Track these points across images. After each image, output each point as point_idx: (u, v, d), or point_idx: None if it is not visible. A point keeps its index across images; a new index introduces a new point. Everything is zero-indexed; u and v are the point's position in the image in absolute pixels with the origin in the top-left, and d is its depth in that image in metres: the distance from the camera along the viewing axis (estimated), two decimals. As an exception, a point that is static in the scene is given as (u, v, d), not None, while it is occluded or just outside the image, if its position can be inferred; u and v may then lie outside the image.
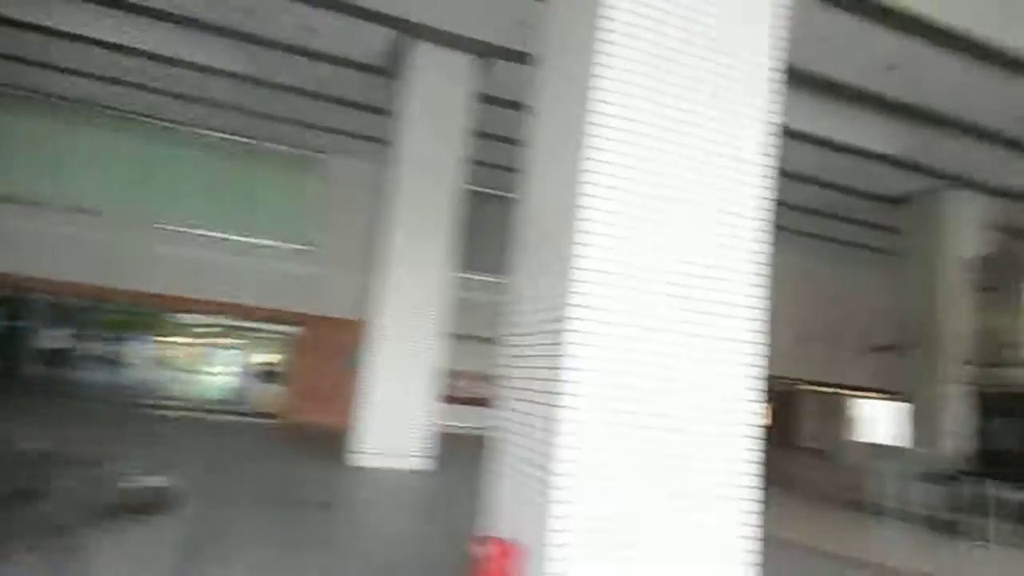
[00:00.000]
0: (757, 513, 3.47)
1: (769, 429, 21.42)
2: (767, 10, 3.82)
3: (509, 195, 12.07)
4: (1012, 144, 10.60)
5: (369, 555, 4.93)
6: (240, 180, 14.83)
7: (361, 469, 8.54)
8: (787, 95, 11.05)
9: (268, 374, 15.55)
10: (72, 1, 9.79)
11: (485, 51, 9.66)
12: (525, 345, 3.83)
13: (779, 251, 16.03)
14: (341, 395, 12.06)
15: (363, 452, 8.75)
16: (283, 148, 14.93)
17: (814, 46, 8.72)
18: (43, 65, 11.96)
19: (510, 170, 8.28)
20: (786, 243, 18.77)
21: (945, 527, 8.84)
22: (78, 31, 10.44)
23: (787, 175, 13.36)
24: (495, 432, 4.00)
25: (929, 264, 12.82)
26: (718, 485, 3.39)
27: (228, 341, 16.03)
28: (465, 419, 14.08)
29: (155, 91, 12.59)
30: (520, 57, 9.08)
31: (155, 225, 13.79)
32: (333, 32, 9.71)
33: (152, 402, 14.01)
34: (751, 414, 3.56)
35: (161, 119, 14.09)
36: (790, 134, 11.20)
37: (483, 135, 11.01)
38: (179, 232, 13.94)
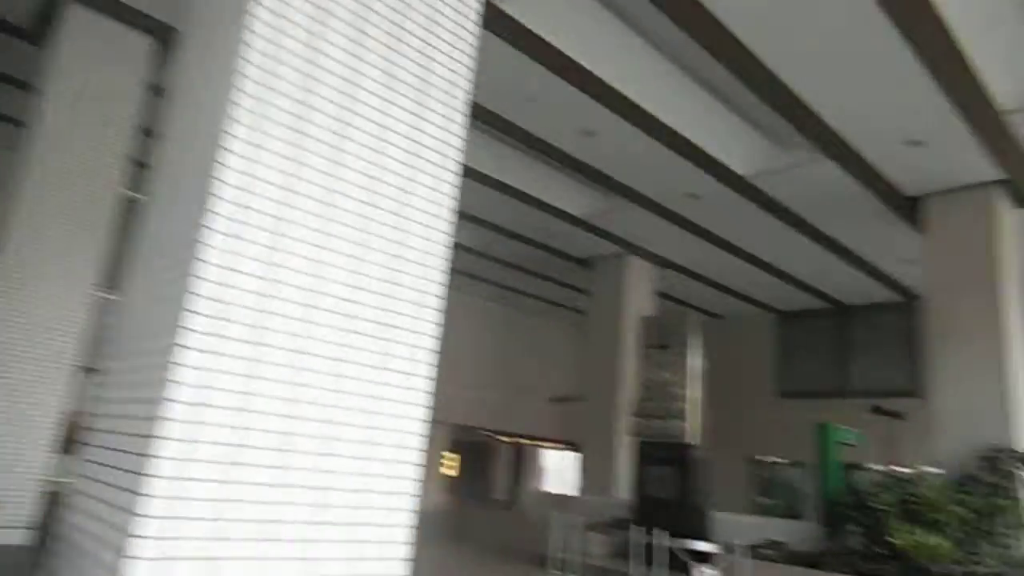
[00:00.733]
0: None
1: (459, 481, 21.38)
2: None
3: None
4: (676, 218, 11.95)
5: None
6: None
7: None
8: (493, 147, 11.44)
9: None
10: None
11: (166, 37, 8.17)
12: (124, 374, 2.75)
13: (480, 303, 16.27)
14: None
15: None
16: None
17: (523, 105, 8.88)
18: None
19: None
20: (487, 295, 19.61)
21: None
22: None
23: (491, 227, 13.68)
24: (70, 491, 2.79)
25: (609, 322, 13.94)
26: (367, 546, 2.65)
27: None
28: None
29: None
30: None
31: None
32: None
33: None
34: (412, 465, 2.89)
35: None
36: (497, 186, 11.39)
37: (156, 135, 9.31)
38: None
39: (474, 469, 30.66)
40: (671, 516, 9.40)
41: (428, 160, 3.06)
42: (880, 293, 15.23)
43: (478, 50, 3.39)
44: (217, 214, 2.39)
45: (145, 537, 2.10)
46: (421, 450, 2.96)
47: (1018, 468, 8.06)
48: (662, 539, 8.53)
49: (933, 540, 7.23)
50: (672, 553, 8.51)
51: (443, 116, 3.14)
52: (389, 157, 2.90)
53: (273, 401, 2.44)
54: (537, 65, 7.75)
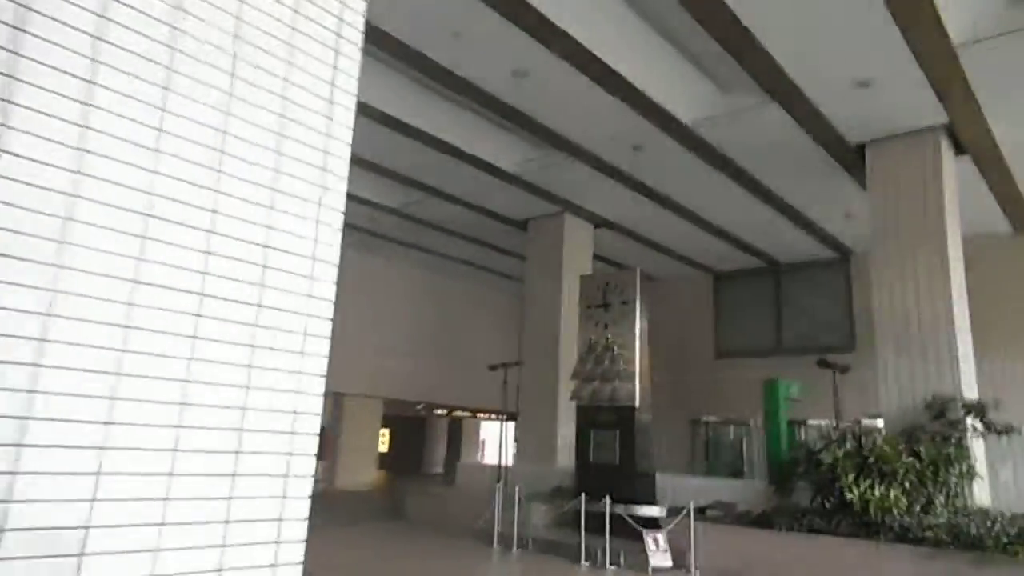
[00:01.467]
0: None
1: (393, 456, 20.69)
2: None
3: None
4: (615, 173, 11.38)
5: None
6: None
7: None
8: (417, 94, 10.55)
9: None
10: None
11: None
12: None
13: (413, 271, 15.45)
14: None
15: None
16: None
17: (447, 41, 8.03)
18: None
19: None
20: (420, 263, 18.74)
21: (557, 549, 8.64)
22: None
23: (419, 187, 12.82)
24: None
25: (547, 284, 13.37)
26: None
27: None
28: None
29: None
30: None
31: None
32: None
33: None
34: (308, 442, 2.18)
35: None
36: (423, 138, 10.55)
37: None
38: None
39: (409, 443, 29.97)
40: (616, 482, 8.96)
41: (312, 93, 2.29)
42: (816, 250, 15.17)
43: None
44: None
45: None
46: (316, 417, 2.25)
47: (967, 416, 7.91)
48: (608, 506, 8.06)
49: (888, 492, 6.96)
50: (619, 519, 8.05)
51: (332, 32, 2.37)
52: (254, 87, 2.12)
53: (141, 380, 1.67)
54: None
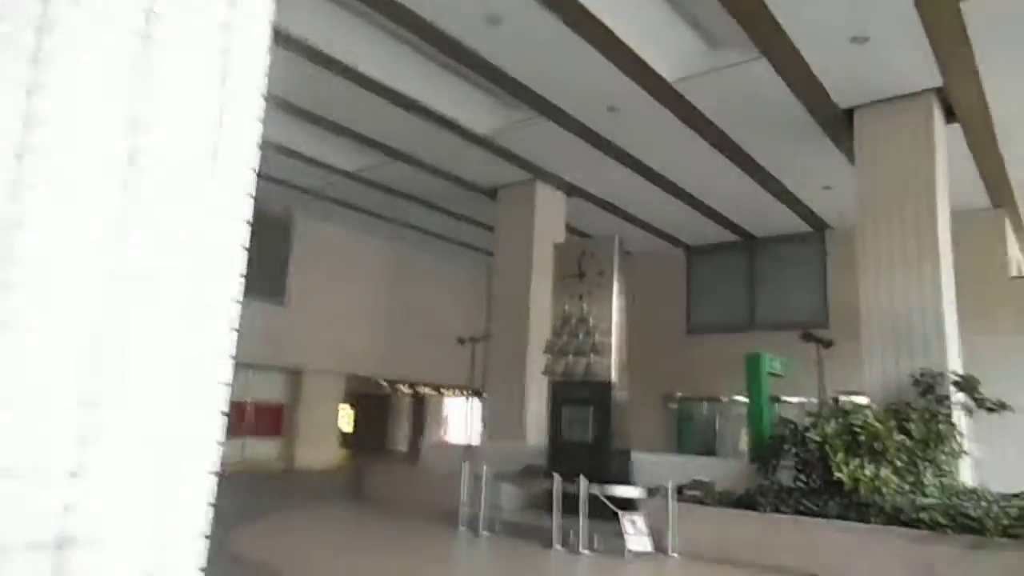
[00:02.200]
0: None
1: (356, 435, 20.01)
2: None
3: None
4: (590, 136, 10.77)
5: None
6: None
7: None
8: (382, 43, 9.73)
9: None
10: None
11: None
12: None
13: (378, 243, 14.63)
14: None
15: None
16: None
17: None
18: None
19: None
20: (386, 235, 17.93)
21: (528, 532, 8.12)
22: None
23: (383, 149, 12.04)
24: None
25: (517, 253, 12.75)
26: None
27: None
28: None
29: None
30: None
31: None
32: None
33: None
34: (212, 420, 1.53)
35: None
36: (389, 95, 9.80)
37: None
38: None
39: (373, 421, 29.25)
40: (591, 461, 8.46)
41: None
42: (792, 224, 14.81)
43: None
44: None
45: None
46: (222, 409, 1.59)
47: (959, 392, 7.57)
48: (583, 486, 7.55)
49: (879, 472, 6.57)
50: (594, 500, 7.55)
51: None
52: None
53: None
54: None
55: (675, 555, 7.11)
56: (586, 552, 7.28)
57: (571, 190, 13.36)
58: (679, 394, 16.37)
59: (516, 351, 12.09)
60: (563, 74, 8.96)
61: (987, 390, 7.81)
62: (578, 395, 9.08)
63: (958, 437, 7.33)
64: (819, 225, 14.83)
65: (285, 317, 15.99)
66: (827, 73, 8.52)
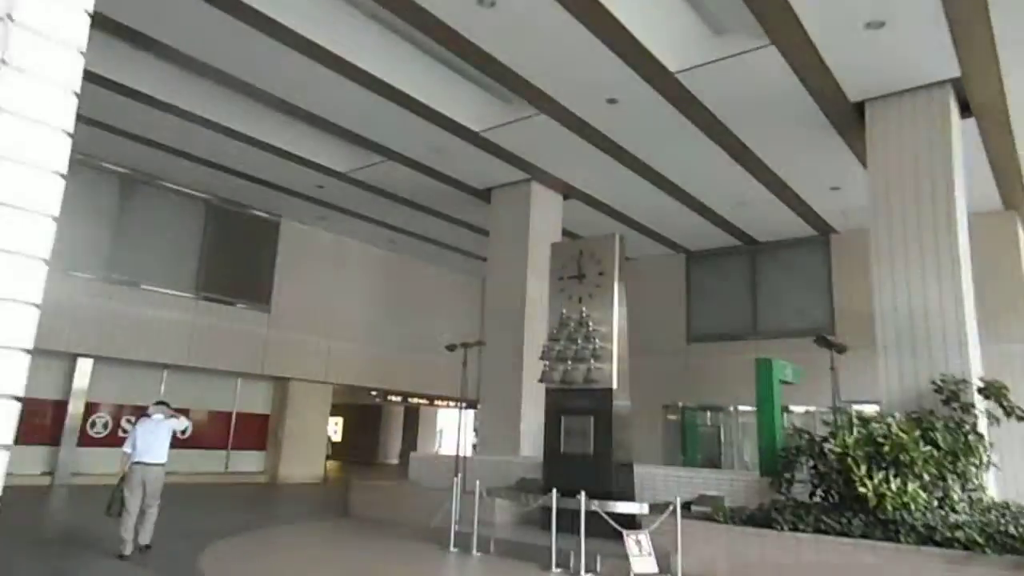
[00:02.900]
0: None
1: (345, 446, 19.36)
2: None
3: None
4: (588, 131, 10.28)
5: None
6: None
7: None
8: (371, 30, 9.19)
9: None
10: None
11: None
12: None
13: (369, 249, 14.02)
14: None
15: None
16: None
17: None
18: None
19: None
20: (377, 240, 17.28)
21: (523, 552, 7.54)
22: None
23: (374, 147, 11.53)
24: None
25: (512, 255, 12.23)
26: None
27: None
28: None
29: None
30: None
31: None
32: None
33: None
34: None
35: None
36: (380, 89, 9.30)
37: None
38: None
39: (364, 433, 28.53)
40: (591, 475, 7.90)
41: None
42: (796, 228, 14.34)
43: None
44: None
45: None
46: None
47: (987, 399, 7.05)
48: (583, 503, 6.98)
49: (907, 487, 6.03)
50: (594, 517, 6.98)
51: None
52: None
53: None
54: None
55: (684, 578, 6.54)
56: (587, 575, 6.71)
57: (568, 191, 12.87)
58: (681, 403, 15.81)
59: (511, 358, 11.54)
60: (560, 61, 8.47)
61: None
62: (577, 404, 8.52)
63: (987, 447, 6.80)
64: (824, 229, 14.36)
65: (270, 324, 15.40)
66: (839, 62, 8.06)
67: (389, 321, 17.97)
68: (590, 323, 8.49)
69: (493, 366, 11.79)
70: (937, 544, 5.59)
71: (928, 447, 6.43)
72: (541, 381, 8.85)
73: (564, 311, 8.77)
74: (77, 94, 1.54)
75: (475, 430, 12.23)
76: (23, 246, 1.33)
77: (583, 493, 6.99)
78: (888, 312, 8.31)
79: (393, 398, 22.33)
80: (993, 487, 7.39)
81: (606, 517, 6.97)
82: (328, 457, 26.49)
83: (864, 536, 5.97)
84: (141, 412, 12.94)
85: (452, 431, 24.86)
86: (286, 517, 10.56)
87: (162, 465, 7.08)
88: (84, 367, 13.12)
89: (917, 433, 6.48)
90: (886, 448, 6.30)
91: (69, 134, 1.52)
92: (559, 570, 6.84)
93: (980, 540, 5.39)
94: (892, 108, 8.74)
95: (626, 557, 6.57)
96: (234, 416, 15.87)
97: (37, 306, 1.33)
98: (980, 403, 7.36)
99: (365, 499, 10.39)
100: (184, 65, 9.43)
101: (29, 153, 1.40)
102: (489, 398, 11.89)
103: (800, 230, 14.47)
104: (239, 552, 7.40)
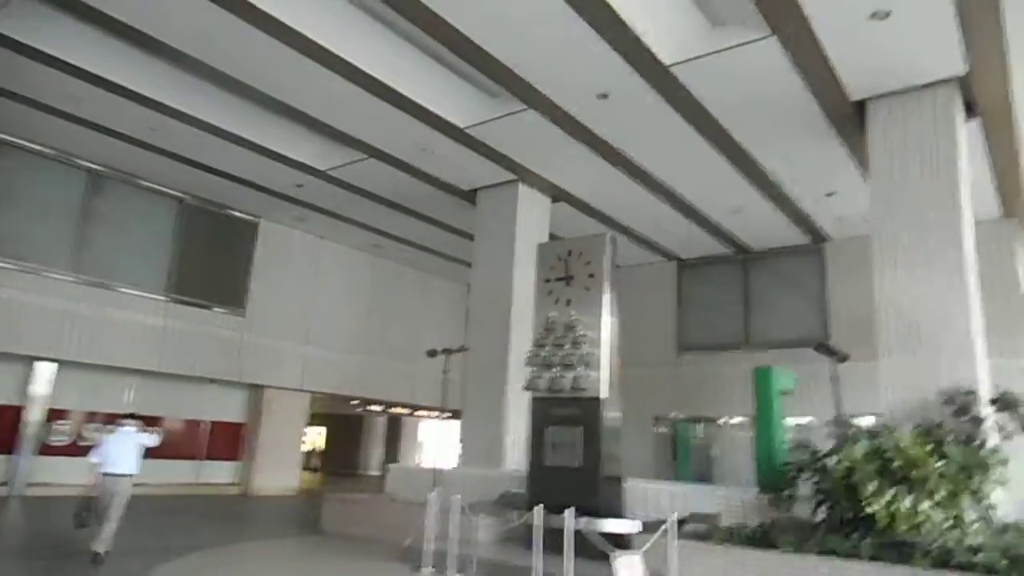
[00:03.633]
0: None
1: (323, 457, 18.67)
2: None
3: None
4: (577, 128, 9.85)
5: None
6: None
7: None
8: (353, 18, 8.66)
9: None
10: None
11: None
12: None
13: (352, 253, 13.39)
14: None
15: None
16: None
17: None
18: None
19: None
20: (360, 243, 16.69)
21: (505, 573, 7.00)
22: None
23: (356, 144, 11.04)
24: None
25: (497, 258, 11.74)
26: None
27: None
28: None
29: None
30: None
31: None
32: None
33: None
34: None
35: None
36: (363, 82, 8.81)
37: None
38: None
39: (344, 443, 27.81)
40: (578, 490, 7.38)
41: None
42: (790, 236, 13.97)
43: None
44: None
45: None
46: None
47: (1002, 411, 6.64)
48: (569, 520, 6.45)
49: (919, 505, 5.58)
50: (582, 536, 6.46)
51: None
52: None
53: None
54: None
55: (678, 603, 6.03)
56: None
57: (555, 194, 12.41)
58: (672, 415, 15.33)
59: (496, 365, 11.02)
60: (548, 50, 8.01)
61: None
62: (564, 413, 8.02)
63: (1004, 462, 6.36)
64: (818, 237, 14.00)
65: (245, 328, 14.78)
66: (841, 55, 7.66)
67: (370, 327, 17.41)
68: (578, 327, 8.01)
69: (477, 373, 11.28)
70: (955, 568, 5.13)
71: (941, 462, 5.99)
72: (527, 389, 8.35)
73: (550, 314, 8.29)
74: None
75: (460, 441, 11.67)
76: None
77: (569, 510, 6.46)
78: (890, 320, 7.89)
79: (374, 407, 21.72)
80: (1002, 506, 6.96)
81: (593, 540, 6.45)
82: (316, 469, 25.87)
83: (874, 558, 5.50)
84: (108, 420, 12.36)
85: (434, 441, 24.23)
86: (253, 533, 9.94)
87: (131, 476, 7.01)
88: (46, 371, 12.45)
89: (929, 447, 6.04)
90: (895, 464, 5.85)
91: None
92: (540, 595, 6.31)
93: (1003, 564, 4.93)
94: (895, 107, 8.37)
95: (616, 580, 6.04)
96: (206, 425, 15.22)
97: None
98: (991, 416, 6.95)
99: (339, 513, 9.80)
100: (156, 52, 8.91)
101: None
102: (472, 407, 11.36)
103: (794, 238, 14.10)
104: (188, 574, 6.79)
